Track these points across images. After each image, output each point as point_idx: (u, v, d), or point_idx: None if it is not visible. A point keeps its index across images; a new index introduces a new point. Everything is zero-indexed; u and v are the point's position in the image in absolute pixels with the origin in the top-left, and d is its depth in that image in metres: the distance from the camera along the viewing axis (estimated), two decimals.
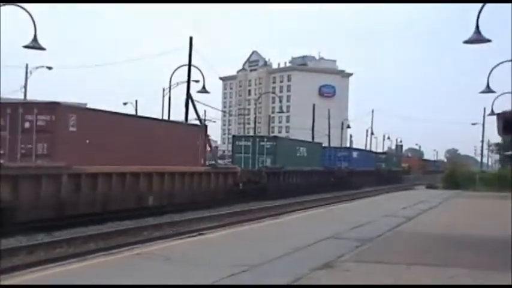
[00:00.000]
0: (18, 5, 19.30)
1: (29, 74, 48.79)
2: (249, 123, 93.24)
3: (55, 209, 17.07)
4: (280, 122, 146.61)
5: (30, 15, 19.14)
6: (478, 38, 16.51)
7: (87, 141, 18.32)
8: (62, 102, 18.88)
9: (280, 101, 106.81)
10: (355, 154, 54.62)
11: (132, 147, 20.47)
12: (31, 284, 6.91)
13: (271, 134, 70.77)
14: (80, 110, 19.43)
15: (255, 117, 70.98)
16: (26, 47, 20.08)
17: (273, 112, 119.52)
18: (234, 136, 39.54)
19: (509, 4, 19.57)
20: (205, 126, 30.77)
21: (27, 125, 17.32)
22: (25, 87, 49.22)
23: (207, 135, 28.77)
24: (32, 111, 17.52)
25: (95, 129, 18.76)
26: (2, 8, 18.11)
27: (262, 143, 34.97)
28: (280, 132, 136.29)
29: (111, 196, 19.21)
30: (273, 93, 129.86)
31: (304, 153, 40.35)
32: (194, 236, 12.23)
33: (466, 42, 16.89)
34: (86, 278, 7.32)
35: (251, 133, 70.36)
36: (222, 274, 7.48)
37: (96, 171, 18.51)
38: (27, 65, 48.77)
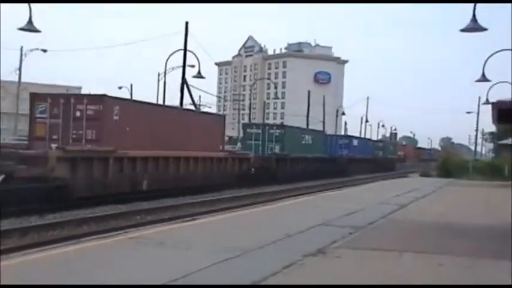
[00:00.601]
0: None
1: (23, 57, 48.54)
2: (243, 109, 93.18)
3: (103, 187, 19.31)
4: (275, 109, 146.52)
5: None
6: (474, 26, 16.51)
7: (127, 128, 20.60)
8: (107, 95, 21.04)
9: (275, 87, 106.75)
10: (355, 142, 56.21)
11: (163, 134, 22.83)
12: (25, 265, 6.94)
13: (266, 121, 70.66)
14: (123, 101, 22.12)
15: (250, 103, 70.94)
16: (21, 29, 19.97)
17: (268, 98, 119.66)
18: (245, 124, 41.52)
19: None
20: (224, 116, 33.96)
21: (78, 113, 19.70)
22: (20, 69, 49.02)
23: (225, 124, 31.27)
24: (82, 101, 19.94)
25: (134, 118, 21.11)
26: None
27: (271, 131, 37.19)
28: (275, 118, 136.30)
29: (148, 177, 21.67)
30: (268, 79, 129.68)
31: (309, 141, 42.53)
32: (188, 220, 12.26)
33: (462, 30, 16.89)
34: (80, 261, 7.35)
35: (246, 119, 70.32)
36: (216, 259, 7.51)
37: (135, 155, 20.92)
38: (22, 48, 48.51)
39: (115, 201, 19.26)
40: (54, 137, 19.54)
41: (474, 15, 16.14)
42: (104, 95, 20.54)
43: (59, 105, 19.80)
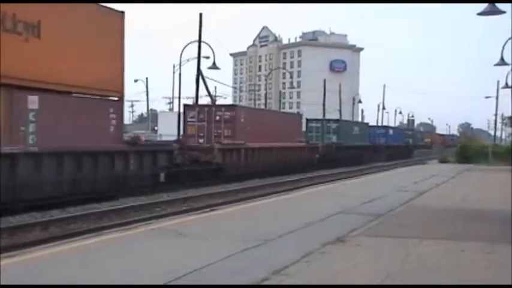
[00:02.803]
0: None
1: None
2: (259, 99, 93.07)
3: (238, 169, 27.56)
4: (291, 98, 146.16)
5: None
6: (492, 9, 16.28)
7: (248, 128, 28.97)
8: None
9: (291, 77, 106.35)
10: (390, 131, 64.79)
11: (266, 130, 30.95)
12: (47, 258, 7.03)
13: (282, 110, 70.33)
14: (246, 108, 33.82)
15: (266, 93, 70.83)
16: None
17: (283, 88, 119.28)
18: (307, 119, 47.23)
19: None
20: (301, 115, 45.21)
21: (217, 118, 28.32)
22: None
23: (301, 121, 41.78)
24: (221, 109, 29.10)
25: (251, 120, 29.92)
26: None
27: (329, 125, 45.54)
28: (290, 108, 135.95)
29: (263, 161, 30.43)
30: (284, 68, 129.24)
31: (357, 131, 50.41)
32: (207, 211, 12.31)
33: (480, 14, 16.66)
34: (101, 254, 7.42)
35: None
36: (236, 249, 7.55)
37: (253, 146, 29.37)
38: None
39: (241, 179, 26.20)
40: (201, 134, 28.12)
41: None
42: (235, 105, 32.84)
43: (204, 112, 28.64)
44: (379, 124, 77.50)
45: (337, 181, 23.85)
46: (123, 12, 18.92)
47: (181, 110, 30.91)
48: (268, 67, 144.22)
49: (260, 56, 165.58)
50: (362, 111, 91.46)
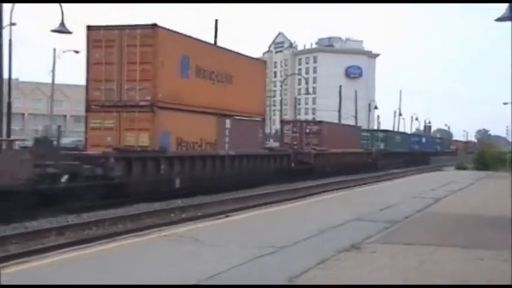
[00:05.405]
0: None
1: (56, 58, 49.36)
2: (275, 105, 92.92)
3: (324, 168, 36.33)
4: (306, 104, 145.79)
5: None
6: (511, 15, 16.07)
7: (329, 138, 37.35)
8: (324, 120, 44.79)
9: (306, 83, 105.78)
10: (423, 139, 74.43)
11: (338, 139, 38.95)
12: (62, 263, 7.04)
13: (298, 117, 70.24)
14: (327, 123, 42.13)
15: (281, 99, 70.76)
16: (54, 31, 20.31)
17: (299, 94, 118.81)
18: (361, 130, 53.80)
19: None
20: (360, 126, 53.63)
21: (307, 130, 37.73)
22: (53, 71, 49.87)
23: (361, 131, 50.50)
24: (309, 124, 39.95)
25: (330, 131, 38.96)
26: None
27: (377, 134, 54.15)
28: (306, 114, 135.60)
29: (338, 163, 38.61)
30: (299, 74, 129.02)
31: (399, 140, 58.98)
32: (222, 217, 12.27)
33: (498, 19, 16.46)
34: (116, 260, 7.42)
35: (277, 115, 70.36)
36: (250, 256, 7.50)
37: (332, 151, 37.75)
38: (54, 50, 49.36)
39: (327, 176, 34.07)
40: (295, 142, 36.39)
41: (511, 3, 15.69)
42: (322, 121, 41.51)
43: (297, 126, 38.42)
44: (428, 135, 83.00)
45: (364, 186, 24.58)
46: (265, 62, 33.34)
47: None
48: (284, 73, 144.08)
49: (275, 62, 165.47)
50: (378, 117, 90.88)
